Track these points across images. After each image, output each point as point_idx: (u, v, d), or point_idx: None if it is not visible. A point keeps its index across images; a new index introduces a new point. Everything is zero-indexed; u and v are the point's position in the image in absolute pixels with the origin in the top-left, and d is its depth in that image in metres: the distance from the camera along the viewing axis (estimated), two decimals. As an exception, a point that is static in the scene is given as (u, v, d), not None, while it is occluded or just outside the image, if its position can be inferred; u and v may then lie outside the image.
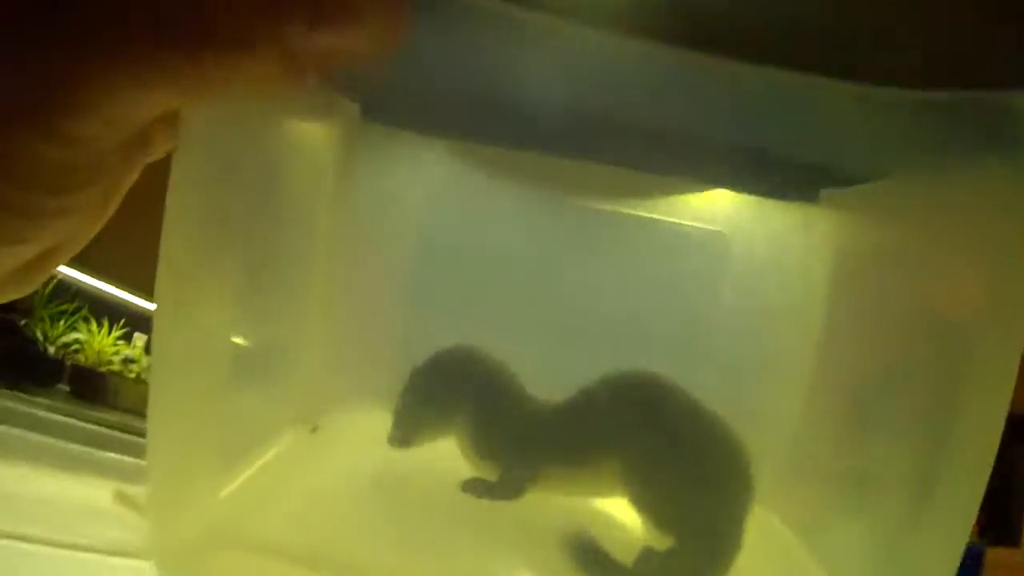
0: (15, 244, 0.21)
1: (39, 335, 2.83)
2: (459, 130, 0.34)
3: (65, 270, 3.06)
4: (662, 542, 0.29)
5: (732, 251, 0.33)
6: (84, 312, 3.08)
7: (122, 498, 0.95)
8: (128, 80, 0.19)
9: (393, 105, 0.33)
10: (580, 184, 0.34)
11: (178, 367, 0.23)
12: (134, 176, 0.25)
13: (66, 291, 2.98)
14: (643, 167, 0.33)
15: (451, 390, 0.33)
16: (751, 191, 0.33)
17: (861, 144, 0.29)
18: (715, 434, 0.30)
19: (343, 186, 0.34)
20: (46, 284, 2.85)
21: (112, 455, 0.93)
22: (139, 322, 3.52)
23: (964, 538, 0.23)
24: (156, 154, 0.25)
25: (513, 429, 0.33)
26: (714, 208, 0.33)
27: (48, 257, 0.24)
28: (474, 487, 0.32)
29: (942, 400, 0.25)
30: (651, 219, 0.34)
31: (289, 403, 0.32)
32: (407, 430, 0.32)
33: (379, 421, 0.32)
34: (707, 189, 0.33)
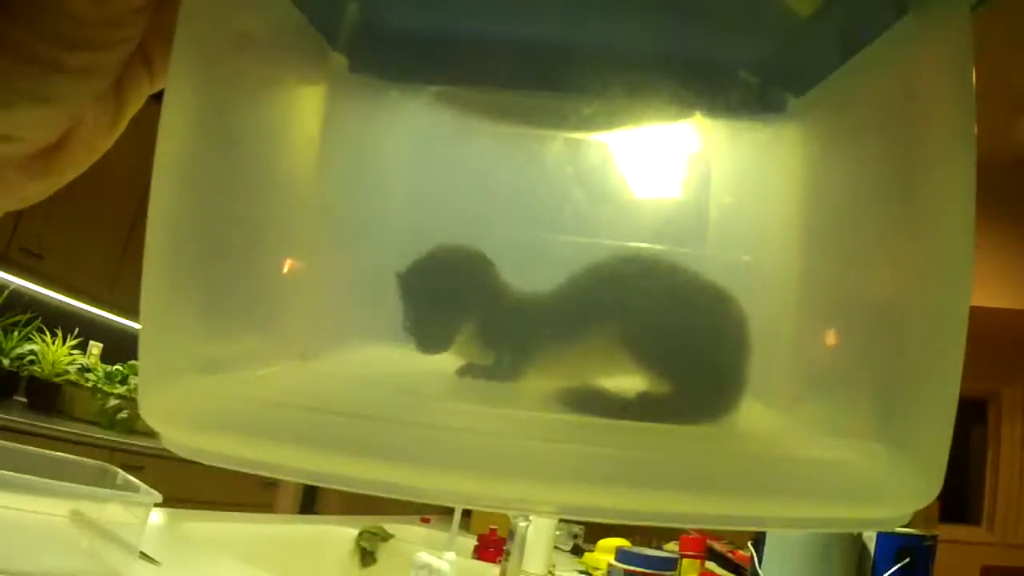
0: (37, 104, 0.22)
1: (-8, 348, 2.78)
2: (436, 76, 0.35)
3: (17, 281, 3.00)
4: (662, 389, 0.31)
5: (712, 170, 0.35)
6: (38, 323, 3.03)
7: (78, 518, 0.93)
8: None
9: (377, 57, 0.35)
10: (561, 116, 0.35)
11: (176, 247, 0.25)
12: (140, 97, 0.26)
13: (19, 302, 2.92)
14: (624, 95, 0.34)
15: (452, 285, 0.34)
16: (723, 112, 0.35)
17: (805, 44, 0.32)
18: (711, 291, 0.33)
19: (333, 133, 0.35)
20: (-2, 295, 2.80)
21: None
22: (93, 331, 3.47)
23: (953, 400, 0.25)
24: (156, 84, 0.26)
25: (507, 317, 0.33)
26: (693, 131, 0.35)
27: (65, 149, 0.25)
28: (471, 370, 0.33)
29: (910, 275, 0.28)
30: (637, 146, 0.36)
31: (281, 335, 0.33)
32: (435, 330, 0.33)
33: (370, 353, 0.34)
34: (684, 115, 0.34)
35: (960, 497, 5.45)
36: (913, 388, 0.27)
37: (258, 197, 0.31)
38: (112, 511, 0.95)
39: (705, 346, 0.32)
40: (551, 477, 0.25)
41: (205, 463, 0.25)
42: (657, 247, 0.33)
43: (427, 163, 0.37)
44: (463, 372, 0.33)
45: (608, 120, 0.35)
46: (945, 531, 1.57)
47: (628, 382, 0.31)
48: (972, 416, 5.52)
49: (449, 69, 0.35)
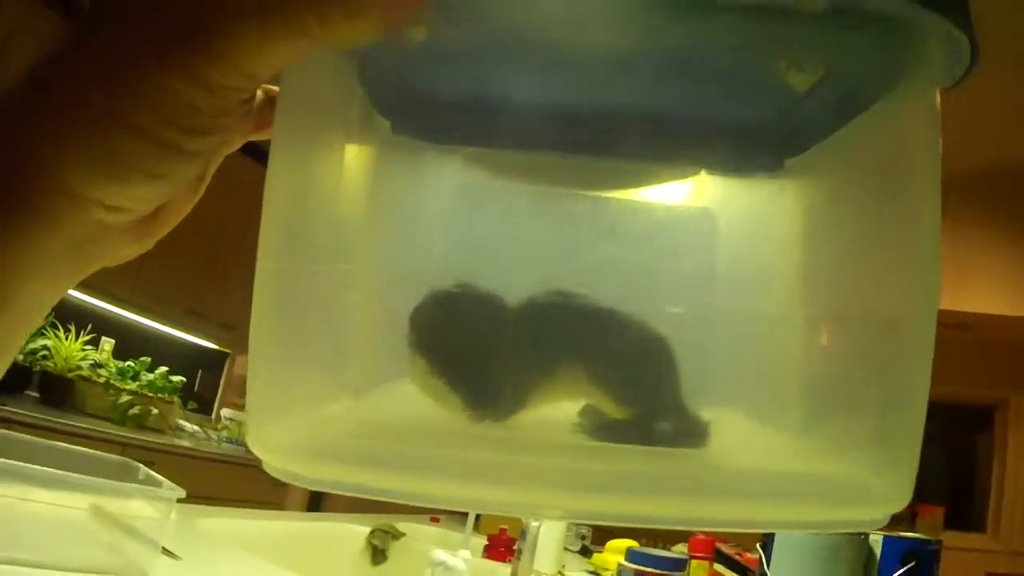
0: (152, 180, 0.26)
1: (5, 344, 2.79)
2: (471, 139, 0.40)
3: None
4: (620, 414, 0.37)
5: (718, 224, 0.40)
6: (51, 318, 3.05)
7: (98, 512, 0.95)
8: (258, 34, 0.24)
9: (420, 120, 0.39)
10: (581, 177, 0.40)
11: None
12: (216, 166, 0.31)
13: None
14: (639, 157, 0.39)
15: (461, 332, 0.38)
16: (726, 171, 0.40)
17: (800, 114, 0.36)
18: (643, 329, 0.37)
19: (380, 190, 0.40)
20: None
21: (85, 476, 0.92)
22: (106, 327, 3.49)
23: (921, 420, 0.30)
24: (235, 144, 0.32)
25: (508, 361, 0.38)
26: (700, 189, 0.40)
27: (158, 218, 0.29)
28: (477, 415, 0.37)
29: (887, 314, 0.33)
30: (649, 203, 0.41)
31: (338, 373, 0.38)
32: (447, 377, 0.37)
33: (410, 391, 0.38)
34: (692, 174, 0.40)
35: (965, 504, 5.44)
36: (888, 412, 0.32)
37: (323, 251, 0.35)
38: (135, 506, 0.97)
39: (654, 384, 0.38)
40: (561, 487, 0.31)
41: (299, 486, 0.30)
42: (678, 319, 0.38)
43: (460, 217, 0.41)
44: (476, 416, 0.37)
45: (623, 179, 0.40)
46: (950, 538, 1.58)
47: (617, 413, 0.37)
48: (979, 424, 5.52)
49: (477, 132, 0.39)
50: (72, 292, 3.36)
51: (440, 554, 1.27)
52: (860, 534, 1.37)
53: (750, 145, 0.39)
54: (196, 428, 3.79)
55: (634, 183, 0.40)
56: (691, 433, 0.36)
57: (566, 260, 0.39)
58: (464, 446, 0.36)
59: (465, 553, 1.29)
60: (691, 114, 0.38)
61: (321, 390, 0.36)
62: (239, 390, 4.58)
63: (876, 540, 1.37)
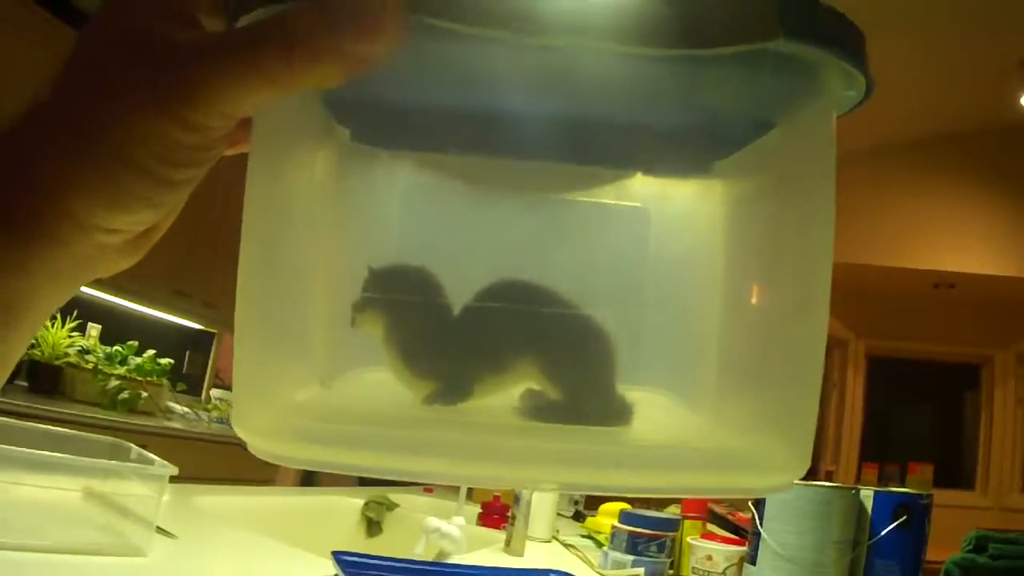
0: (148, 208, 0.30)
1: (-9, 333, 2.77)
2: (426, 145, 0.44)
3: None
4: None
5: (651, 221, 0.44)
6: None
7: (91, 493, 0.95)
8: (233, 83, 0.28)
9: (375, 129, 0.43)
10: (524, 178, 0.44)
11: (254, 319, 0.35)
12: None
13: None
14: (579, 161, 0.44)
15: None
16: (658, 173, 0.44)
17: (726, 115, 0.41)
18: (579, 320, 0.42)
19: (337, 195, 0.44)
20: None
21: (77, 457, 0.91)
22: (92, 313, 3.47)
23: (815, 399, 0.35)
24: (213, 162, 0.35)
25: (457, 351, 0.42)
26: (635, 189, 0.44)
27: (149, 233, 0.34)
28: (432, 396, 0.41)
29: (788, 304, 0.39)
30: (586, 202, 0.45)
31: (308, 362, 0.42)
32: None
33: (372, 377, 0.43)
34: (628, 175, 0.44)
35: (954, 462, 5.52)
36: (788, 391, 0.37)
37: (293, 250, 0.40)
38: (128, 486, 0.97)
39: (593, 373, 0.42)
40: (502, 461, 0.36)
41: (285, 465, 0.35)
42: (614, 308, 0.42)
43: (410, 216, 0.45)
44: (427, 400, 0.41)
45: (566, 181, 0.44)
46: (940, 496, 1.60)
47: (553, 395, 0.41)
48: (965, 382, 5.59)
49: (427, 138, 0.43)
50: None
51: (434, 521, 1.28)
52: (851, 488, 1.39)
53: (681, 149, 0.43)
54: (186, 409, 3.80)
55: (576, 185, 0.44)
56: (617, 413, 0.41)
57: (512, 256, 0.44)
58: (419, 427, 0.40)
59: (459, 519, 1.30)
60: (627, 121, 0.42)
61: (294, 378, 0.40)
62: (227, 370, 4.58)
63: (867, 495, 1.39)
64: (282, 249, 0.38)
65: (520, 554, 1.53)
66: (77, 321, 3.19)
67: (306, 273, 0.41)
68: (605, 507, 2.05)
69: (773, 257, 0.40)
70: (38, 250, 0.29)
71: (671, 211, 0.45)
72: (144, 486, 0.98)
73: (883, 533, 1.35)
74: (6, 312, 0.29)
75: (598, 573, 1.51)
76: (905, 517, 1.35)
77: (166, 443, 3.10)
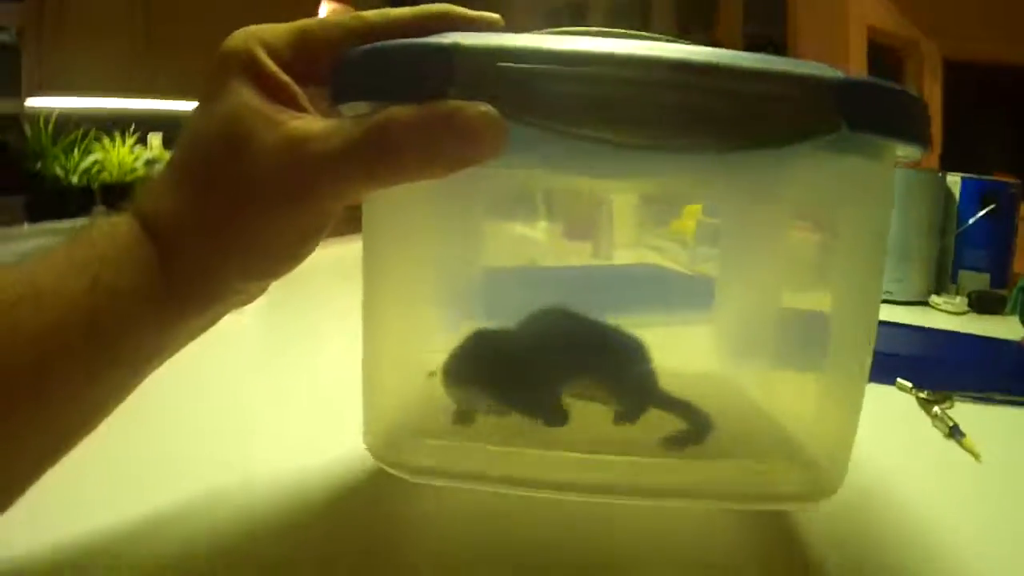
0: (286, 271, 0.39)
1: (58, 171, 2.82)
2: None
3: (57, 102, 2.97)
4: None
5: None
6: (93, 133, 3.03)
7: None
8: (356, 187, 0.35)
9: None
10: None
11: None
12: None
13: (66, 123, 2.91)
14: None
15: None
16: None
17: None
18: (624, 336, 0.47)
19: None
20: (47, 124, 2.79)
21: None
22: (148, 123, 3.47)
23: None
24: None
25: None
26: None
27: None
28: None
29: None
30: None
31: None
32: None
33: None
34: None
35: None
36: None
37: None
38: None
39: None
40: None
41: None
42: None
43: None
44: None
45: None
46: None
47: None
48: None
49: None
50: (99, 101, 3.30)
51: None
52: (937, 171, 1.34)
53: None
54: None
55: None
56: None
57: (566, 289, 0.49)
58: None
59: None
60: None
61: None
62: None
63: (954, 181, 1.34)
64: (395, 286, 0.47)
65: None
66: (136, 135, 3.21)
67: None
68: (689, 209, 2.03)
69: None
70: (192, 324, 0.38)
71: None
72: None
73: (971, 221, 1.31)
74: (147, 363, 0.36)
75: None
76: (994, 205, 1.31)
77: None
